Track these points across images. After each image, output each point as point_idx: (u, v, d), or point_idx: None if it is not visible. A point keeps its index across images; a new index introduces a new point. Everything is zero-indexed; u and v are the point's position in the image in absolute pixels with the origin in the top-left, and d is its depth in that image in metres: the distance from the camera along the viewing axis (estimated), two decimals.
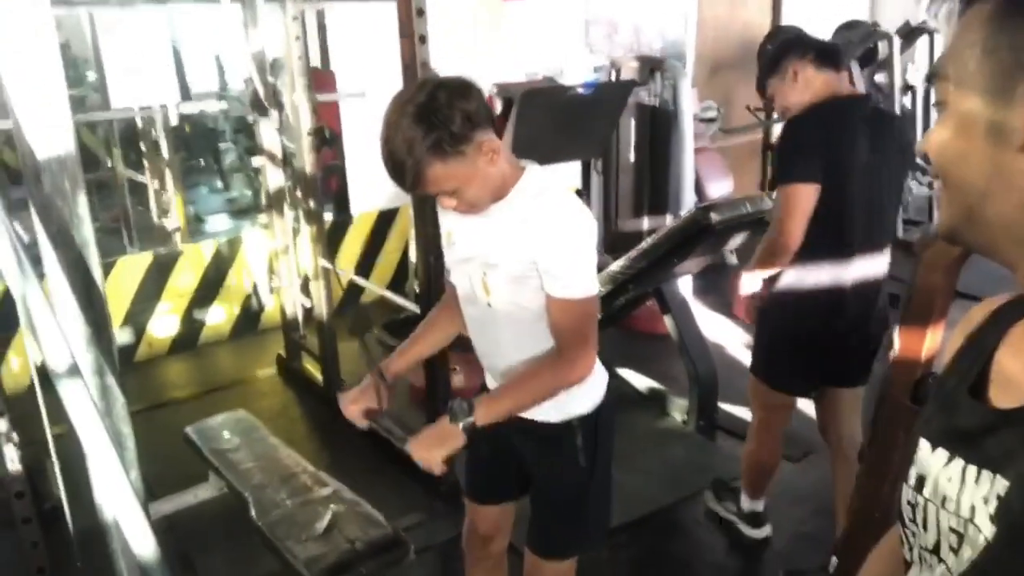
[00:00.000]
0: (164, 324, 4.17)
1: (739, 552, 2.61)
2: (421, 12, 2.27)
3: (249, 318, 4.42)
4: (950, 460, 0.65)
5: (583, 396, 1.62)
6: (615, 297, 3.20)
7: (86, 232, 1.16)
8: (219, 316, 4.32)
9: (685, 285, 4.09)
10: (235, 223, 4.41)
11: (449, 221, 1.61)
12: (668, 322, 3.23)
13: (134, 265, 4.03)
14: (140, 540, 1.06)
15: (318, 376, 3.65)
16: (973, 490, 0.62)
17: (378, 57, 4.16)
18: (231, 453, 2.52)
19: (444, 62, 4.45)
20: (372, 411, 1.71)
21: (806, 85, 2.11)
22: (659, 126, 4.59)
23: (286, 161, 3.41)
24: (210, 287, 4.25)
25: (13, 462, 1.96)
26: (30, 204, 1.10)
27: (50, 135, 1.09)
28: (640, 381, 3.56)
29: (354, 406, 1.71)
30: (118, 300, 3.91)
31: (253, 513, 2.19)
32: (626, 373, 3.60)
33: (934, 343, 1.35)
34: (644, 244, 3.09)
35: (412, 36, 2.30)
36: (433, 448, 1.52)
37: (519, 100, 3.34)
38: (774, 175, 2.09)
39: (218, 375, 4.01)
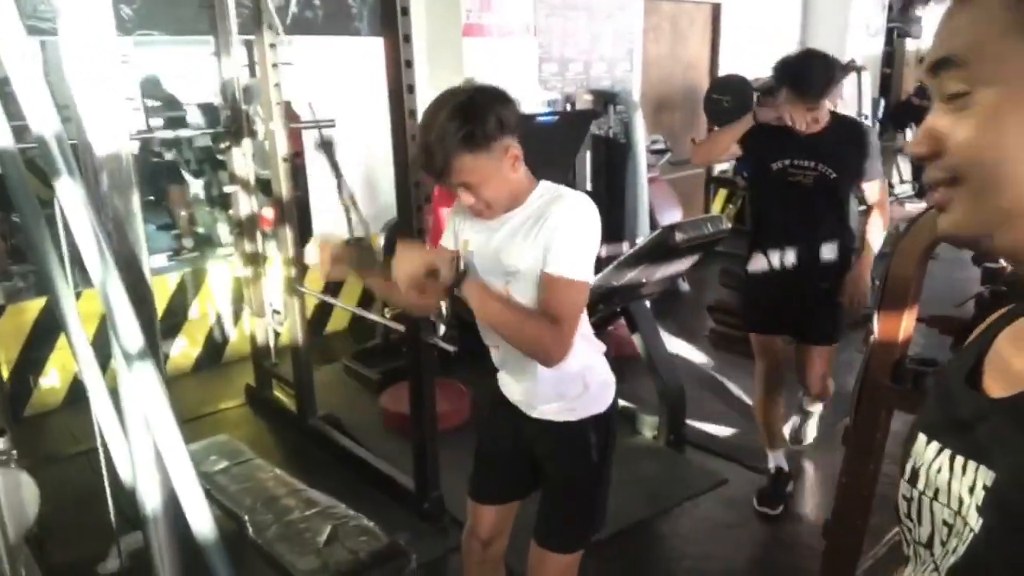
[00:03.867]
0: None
1: (720, 562, 2.70)
2: (408, 38, 2.37)
3: (214, 350, 4.36)
4: (940, 451, 0.64)
5: (600, 397, 1.73)
6: (588, 316, 3.30)
7: (139, 228, 1.20)
8: (182, 349, 4.26)
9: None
10: (198, 254, 4.36)
11: (466, 231, 1.69)
12: (637, 340, 3.34)
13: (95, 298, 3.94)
14: (202, 521, 1.09)
15: (290, 404, 3.64)
16: (960, 480, 0.60)
17: (340, 89, 4.24)
18: (219, 476, 2.50)
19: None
20: (340, 256, 1.65)
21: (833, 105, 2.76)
22: (614, 157, 4.79)
23: (260, 188, 3.44)
24: (173, 320, 4.19)
25: None
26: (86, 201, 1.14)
27: (109, 136, 1.13)
28: None
29: (324, 251, 1.65)
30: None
31: (251, 532, 2.18)
32: None
33: (909, 326, 1.48)
34: (612, 265, 3.21)
35: (399, 61, 2.38)
36: (412, 264, 1.47)
37: None
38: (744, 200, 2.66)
39: (185, 409, 3.92)
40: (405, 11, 2.38)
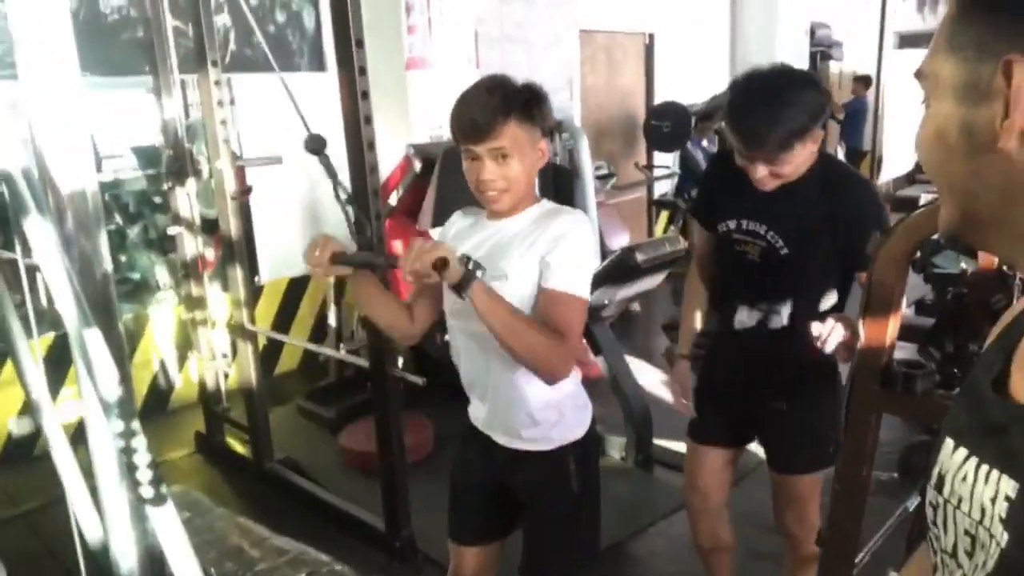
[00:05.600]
0: (65, 410, 3.87)
1: None
2: (363, 71, 2.35)
3: (159, 397, 4.18)
4: (967, 457, 0.62)
5: (576, 424, 1.69)
6: None
7: (107, 268, 1.13)
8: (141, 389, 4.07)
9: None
10: (139, 301, 4.20)
11: (461, 247, 1.64)
12: (600, 362, 3.34)
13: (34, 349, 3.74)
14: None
15: (244, 449, 3.50)
16: (983, 490, 0.59)
17: (281, 125, 4.17)
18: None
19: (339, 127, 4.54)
20: (339, 254, 1.54)
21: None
22: (562, 183, 4.82)
23: (204, 228, 3.33)
24: None
25: None
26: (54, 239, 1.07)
27: (74, 173, 1.07)
28: None
29: (323, 250, 1.54)
30: (16, 391, 3.63)
31: None
32: None
33: (894, 330, 1.51)
34: None
35: (355, 93, 2.36)
36: (425, 254, 1.38)
37: (441, 158, 3.45)
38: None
39: None
40: (360, 43, 2.37)
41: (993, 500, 0.57)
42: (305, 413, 3.99)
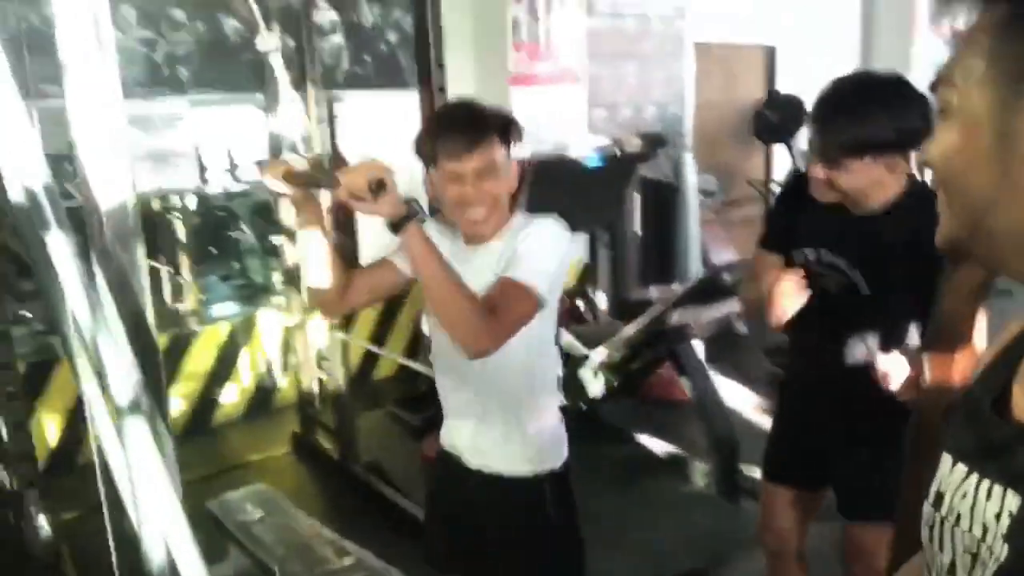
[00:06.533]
0: (177, 405, 4.17)
1: None
2: (443, 90, 2.41)
3: (263, 398, 4.42)
4: (967, 476, 0.63)
5: (555, 451, 1.64)
6: (631, 360, 3.23)
7: (142, 280, 1.21)
8: (232, 396, 4.32)
9: (698, 352, 4.13)
10: (249, 305, 4.47)
11: None
12: (685, 384, 3.24)
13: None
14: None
15: (333, 451, 3.63)
16: (985, 507, 0.59)
17: (385, 142, 4.33)
18: (254, 526, 2.49)
19: None
20: (291, 172, 1.49)
21: None
22: (663, 199, 4.74)
23: None
24: (224, 368, 4.27)
25: (44, 530, 1.94)
26: (90, 251, 1.16)
27: (113, 188, 1.16)
28: (659, 447, 3.55)
29: (276, 167, 1.52)
30: None
31: None
32: (644, 439, 3.59)
33: (965, 367, 1.37)
34: (657, 307, 3.14)
35: (433, 111, 2.42)
36: (365, 169, 1.32)
37: (532, 169, 3.45)
38: None
39: (232, 455, 3.97)
40: (440, 65, 2.43)
41: (997, 516, 0.58)
42: (394, 419, 4.09)
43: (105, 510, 1.23)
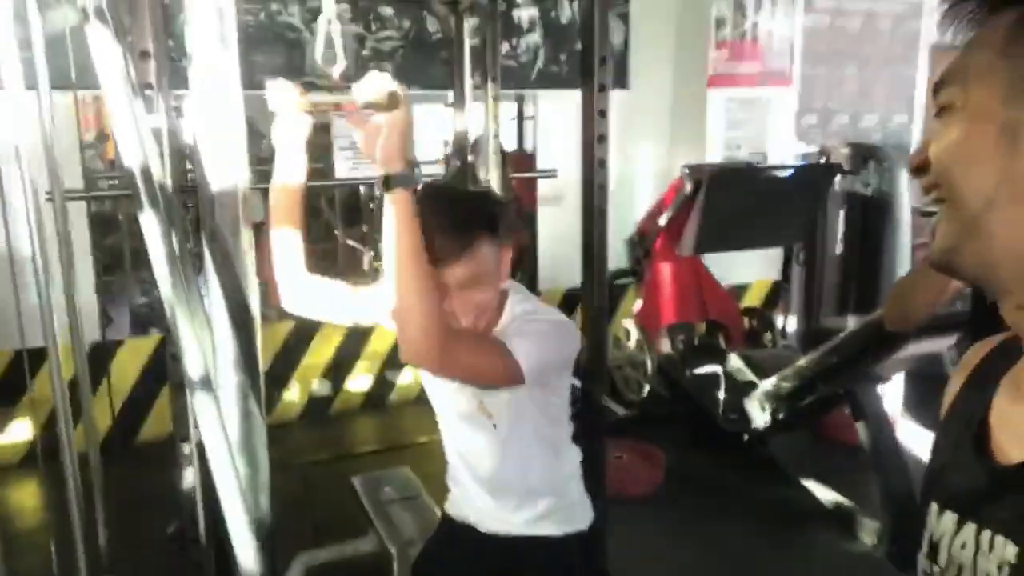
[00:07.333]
0: (359, 381, 4.45)
1: None
2: (604, 88, 2.32)
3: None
4: (961, 524, 0.62)
5: (584, 511, 1.55)
6: (801, 395, 2.95)
7: (247, 263, 1.27)
8: (409, 378, 4.53)
9: (894, 394, 3.68)
10: None
11: None
12: (860, 430, 2.89)
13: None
14: (247, 556, 1.10)
15: None
16: (987, 558, 0.58)
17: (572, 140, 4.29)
18: (388, 507, 2.58)
19: (636, 145, 4.51)
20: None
21: None
22: (872, 217, 4.27)
23: None
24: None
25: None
26: (201, 232, 1.23)
27: (224, 173, 1.22)
28: (826, 494, 3.19)
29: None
30: (322, 357, 4.29)
31: (396, 568, 2.21)
32: (810, 484, 3.25)
33: None
34: (837, 338, 2.83)
35: (592, 111, 2.34)
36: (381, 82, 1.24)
37: (707, 181, 3.26)
38: None
39: (401, 435, 4.17)
40: (603, 60, 2.34)
41: (999, 567, 0.57)
42: None
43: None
